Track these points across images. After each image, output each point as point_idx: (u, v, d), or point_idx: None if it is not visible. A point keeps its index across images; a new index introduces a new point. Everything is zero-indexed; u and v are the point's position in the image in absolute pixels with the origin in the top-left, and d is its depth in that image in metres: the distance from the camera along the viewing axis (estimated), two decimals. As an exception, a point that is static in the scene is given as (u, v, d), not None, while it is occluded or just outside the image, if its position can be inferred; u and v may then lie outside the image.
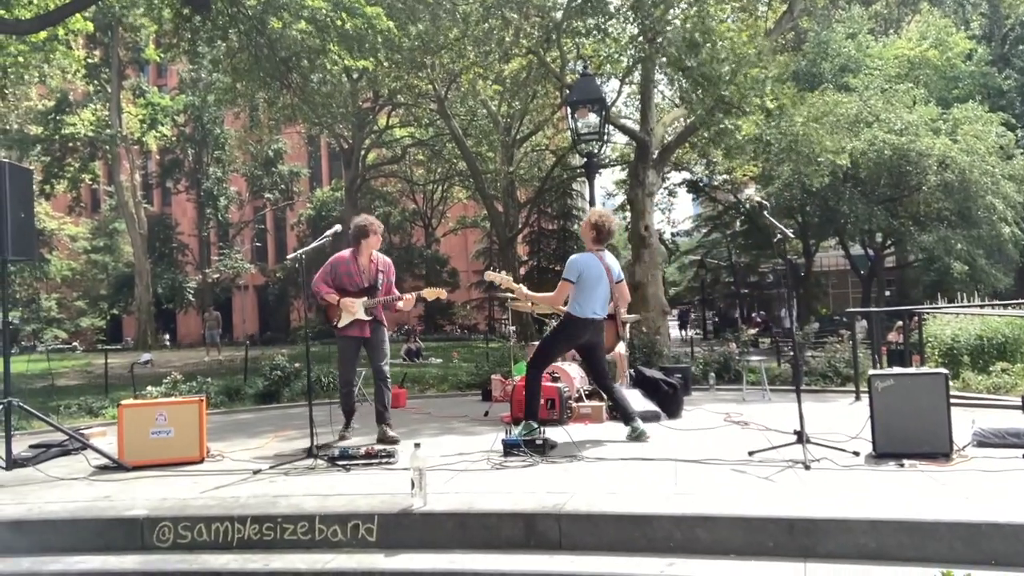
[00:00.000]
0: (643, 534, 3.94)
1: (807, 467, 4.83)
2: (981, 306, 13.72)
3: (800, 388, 5.78)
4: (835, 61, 27.70)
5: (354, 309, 6.57)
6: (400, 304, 6.76)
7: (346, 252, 6.72)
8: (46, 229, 40.45)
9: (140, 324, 35.17)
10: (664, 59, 14.55)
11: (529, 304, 9.27)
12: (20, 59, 19.78)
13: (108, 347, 30.37)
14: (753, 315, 42.88)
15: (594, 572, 3.73)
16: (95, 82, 33.01)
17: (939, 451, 4.97)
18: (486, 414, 8.54)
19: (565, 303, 6.46)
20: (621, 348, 8.88)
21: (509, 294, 7.22)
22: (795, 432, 5.29)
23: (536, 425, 6.16)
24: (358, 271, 6.67)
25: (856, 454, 5.14)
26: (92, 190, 46.58)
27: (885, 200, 25.96)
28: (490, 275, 6.86)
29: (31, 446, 6.62)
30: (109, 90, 33.27)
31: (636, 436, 6.20)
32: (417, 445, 4.38)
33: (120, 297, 43.86)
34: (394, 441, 6.38)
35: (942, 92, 28.15)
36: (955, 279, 24.15)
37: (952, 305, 14.01)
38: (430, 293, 6.91)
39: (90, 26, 18.80)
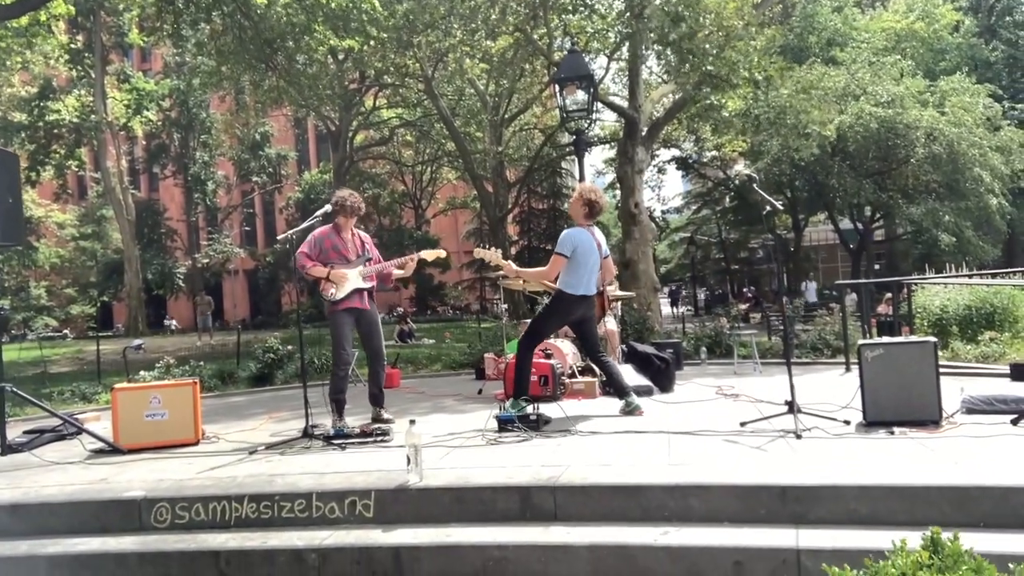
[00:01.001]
0: (637, 504, 3.98)
1: (798, 436, 4.88)
2: (969, 275, 13.83)
3: (791, 359, 5.83)
4: (822, 35, 27.69)
5: (347, 279, 6.31)
6: (397, 271, 6.60)
7: (326, 227, 6.46)
8: (33, 217, 40.16)
9: (130, 310, 35.04)
10: (651, 34, 14.50)
11: (520, 281, 9.30)
12: (2, 45, 19.58)
13: (99, 334, 30.30)
14: (744, 290, 43.03)
15: (589, 542, 3.77)
16: (78, 68, 32.66)
17: (928, 418, 5.02)
18: (480, 392, 8.59)
19: (555, 280, 6.46)
20: (612, 324, 8.92)
21: (499, 272, 7.18)
22: (786, 403, 5.34)
23: (525, 403, 6.19)
24: (343, 244, 6.44)
25: (847, 423, 5.19)
26: (78, 177, 46.25)
27: (873, 173, 26.05)
28: (479, 252, 6.79)
29: (25, 432, 6.63)
30: (93, 75, 32.94)
31: (630, 410, 6.24)
32: (412, 422, 4.41)
33: (110, 284, 43.68)
34: (388, 422, 6.37)
35: (929, 64, 28.21)
36: (943, 251, 24.33)
37: (940, 276, 14.10)
38: (429, 254, 6.81)
39: (72, 10, 18.60)
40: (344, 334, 6.35)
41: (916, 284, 11.91)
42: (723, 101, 14.46)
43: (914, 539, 3.39)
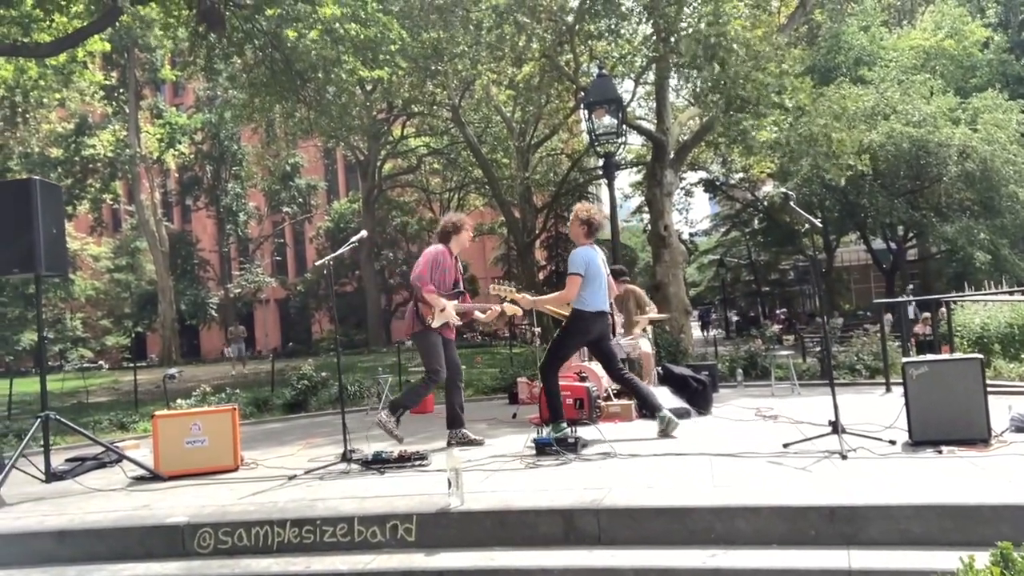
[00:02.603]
0: (683, 526, 3.93)
1: (844, 457, 4.80)
2: (1011, 292, 13.57)
3: (833, 379, 5.74)
4: (849, 54, 27.55)
5: (448, 313, 6.38)
6: (479, 314, 6.71)
7: (442, 248, 6.50)
8: (69, 250, 40.88)
9: (164, 341, 35.49)
10: (678, 58, 14.53)
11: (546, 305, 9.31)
12: (41, 82, 20.08)
13: (134, 364, 30.69)
14: (776, 312, 42.63)
15: (635, 565, 3.72)
16: (113, 103, 33.40)
17: (977, 437, 4.92)
18: (514, 416, 8.56)
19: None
20: (646, 347, 8.87)
21: (521, 300, 7.05)
22: (830, 423, 5.26)
23: (565, 425, 6.18)
24: (453, 269, 6.54)
25: (892, 443, 5.10)
26: (113, 210, 47.03)
27: (905, 192, 25.76)
28: (495, 288, 6.91)
29: (67, 459, 6.71)
30: (127, 111, 33.66)
31: (665, 427, 6.19)
32: (452, 445, 4.39)
33: (144, 315, 44.28)
34: (479, 443, 6.43)
35: (960, 82, 27.91)
36: (979, 269, 23.91)
37: (980, 293, 13.86)
38: (509, 308, 6.89)
39: (107, 46, 19.04)
40: (438, 352, 6.42)
41: (956, 302, 11.72)
42: (756, 125, 14.37)
43: (970, 555, 3.33)
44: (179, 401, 10.27)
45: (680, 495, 4.20)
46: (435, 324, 6.35)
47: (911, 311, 18.75)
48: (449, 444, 6.38)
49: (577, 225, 6.49)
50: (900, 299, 13.47)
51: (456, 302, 6.52)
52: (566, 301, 6.48)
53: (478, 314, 6.72)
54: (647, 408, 6.42)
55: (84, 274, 44.88)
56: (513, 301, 6.92)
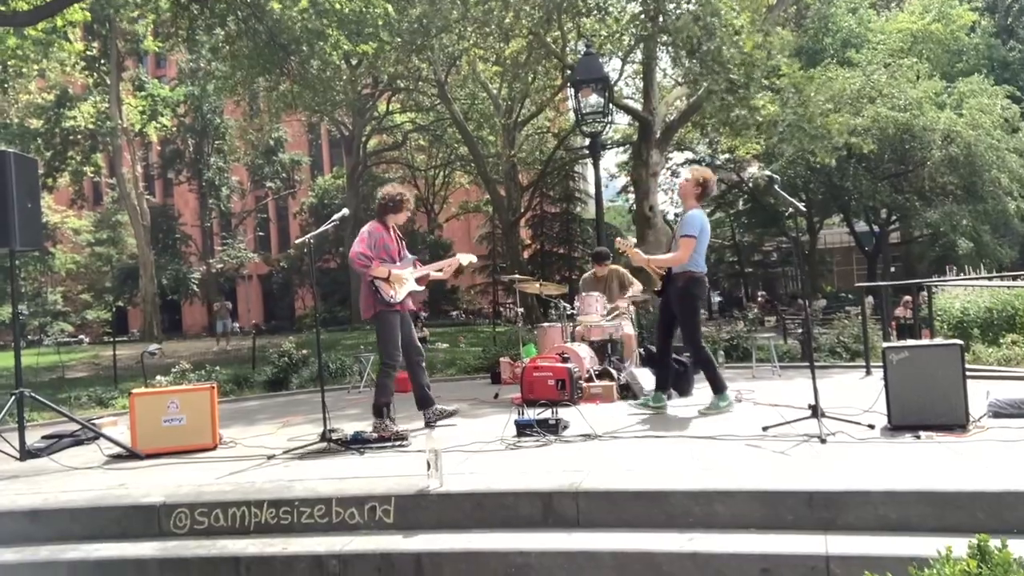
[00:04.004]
0: (661, 510, 3.92)
1: (823, 441, 4.81)
2: (990, 278, 13.67)
3: (813, 363, 5.75)
4: (837, 36, 27.55)
5: (404, 281, 6.23)
6: (436, 274, 6.63)
7: (378, 224, 6.33)
8: (49, 223, 40.40)
9: (146, 315, 35.17)
10: (667, 38, 14.44)
11: (536, 285, 9.26)
12: (19, 52, 19.71)
13: (115, 339, 30.44)
14: (757, 294, 42.83)
15: (614, 548, 3.71)
16: (94, 75, 32.87)
17: (955, 422, 4.94)
18: (496, 396, 8.55)
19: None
20: (628, 328, 8.87)
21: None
22: (810, 406, 5.27)
23: (729, 395, 6.32)
24: (393, 243, 6.37)
25: (871, 427, 5.11)
26: (94, 183, 46.52)
27: (889, 176, 25.89)
28: (620, 242, 6.75)
29: (44, 436, 6.63)
30: (108, 82, 33.14)
31: (725, 408, 6.20)
32: (431, 427, 4.36)
33: (125, 289, 43.93)
34: (455, 411, 6.48)
35: (946, 66, 27.98)
36: (960, 254, 24.09)
37: (961, 278, 13.96)
38: (465, 258, 6.85)
39: (88, 16, 18.71)
40: (396, 335, 6.25)
41: (936, 287, 11.79)
42: (754, 107, 14.32)
43: (947, 544, 3.35)
44: (158, 378, 10.19)
45: (659, 479, 4.20)
46: (399, 297, 6.18)
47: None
48: (429, 424, 6.34)
49: (693, 186, 6.35)
50: (881, 283, 13.55)
51: (411, 269, 6.39)
52: (680, 262, 6.30)
53: (435, 274, 6.65)
54: (714, 387, 6.32)
55: (64, 247, 44.43)
56: (631, 254, 6.68)
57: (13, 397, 5.97)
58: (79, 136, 33.72)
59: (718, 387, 6.31)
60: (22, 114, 32.63)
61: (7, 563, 4.23)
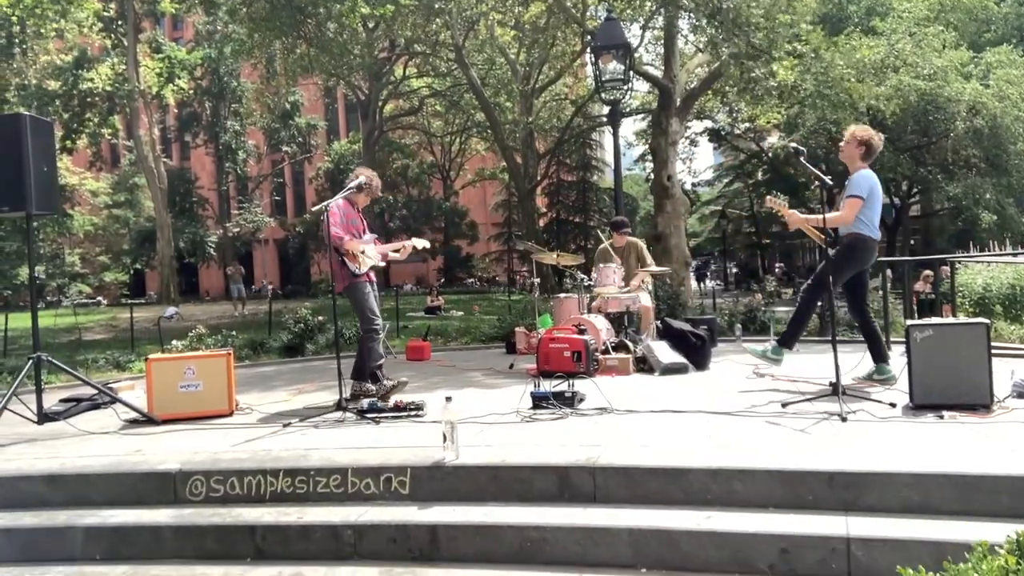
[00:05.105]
0: (679, 487, 3.88)
1: (843, 419, 4.74)
2: (1015, 254, 13.46)
3: (835, 339, 5.66)
4: (861, 4, 26.99)
5: (370, 257, 6.44)
6: (393, 254, 6.84)
7: (346, 203, 6.47)
8: (67, 184, 40.60)
9: (163, 278, 35.36)
10: (687, 1, 14.18)
11: (554, 256, 9.17)
12: (36, 11, 19.63)
13: (132, 301, 30.65)
14: (775, 266, 42.55)
15: (630, 525, 3.68)
16: (111, 36, 32.73)
17: (979, 402, 4.86)
18: (511, 366, 8.52)
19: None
20: (646, 300, 8.79)
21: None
22: (830, 384, 5.20)
23: (785, 351, 6.35)
24: (360, 218, 6.60)
25: (892, 405, 5.05)
26: (111, 145, 46.59)
27: (911, 148, 25.46)
28: (770, 200, 6.44)
29: (61, 400, 6.66)
30: (125, 44, 32.99)
31: (885, 378, 6.03)
32: (448, 399, 4.33)
33: (142, 251, 44.21)
34: (403, 384, 6.51)
35: (973, 35, 27.38)
36: (983, 229, 23.76)
37: (984, 254, 13.75)
38: (419, 242, 7.14)
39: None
40: (371, 301, 6.41)
41: (961, 263, 11.61)
42: (771, 71, 14.05)
43: (972, 529, 3.30)
44: (174, 342, 10.23)
45: (677, 455, 4.15)
46: (364, 269, 6.36)
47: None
48: (354, 395, 6.33)
49: (855, 145, 6.04)
50: (903, 258, 13.36)
51: (372, 246, 6.57)
52: (844, 223, 6.03)
53: (392, 254, 6.85)
54: (875, 356, 6.13)
55: (82, 209, 44.62)
56: (782, 213, 6.43)
57: (31, 361, 5.99)
58: (96, 98, 33.66)
59: (789, 339, 6.33)
60: (40, 75, 32.56)
61: (25, 527, 4.26)
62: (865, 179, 5.94)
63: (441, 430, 4.31)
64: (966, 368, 4.92)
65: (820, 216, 5.87)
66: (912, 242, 34.27)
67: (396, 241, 7.26)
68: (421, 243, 7.22)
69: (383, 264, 6.66)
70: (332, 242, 6.24)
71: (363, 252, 6.31)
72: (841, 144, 6.23)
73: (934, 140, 24.87)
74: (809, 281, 6.38)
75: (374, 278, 6.63)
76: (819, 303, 6.35)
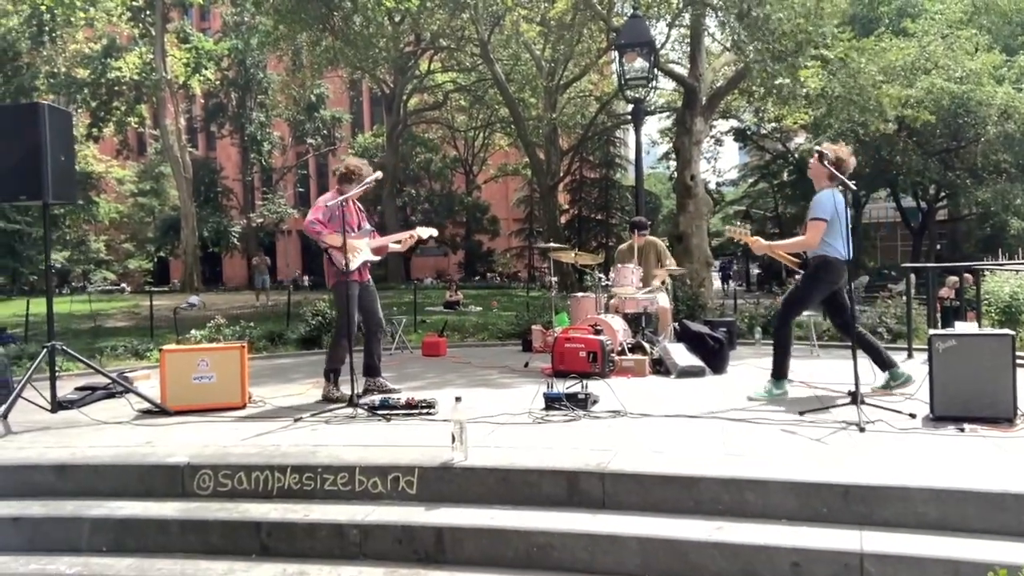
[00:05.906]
0: (690, 496, 3.81)
1: (861, 429, 4.64)
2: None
3: (856, 347, 5.55)
4: (892, 5, 26.63)
5: (359, 249, 6.28)
6: (394, 246, 6.71)
7: (335, 194, 6.28)
8: (94, 172, 40.99)
9: (186, 267, 35.62)
10: (716, 1, 14.02)
11: (572, 254, 9.09)
12: (66, 0, 19.78)
13: (155, 289, 30.90)
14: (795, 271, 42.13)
15: (639, 533, 3.62)
16: (139, 25, 32.98)
17: (1001, 416, 4.74)
18: (526, 365, 8.47)
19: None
20: (664, 301, 8.70)
21: (752, 243, 6.40)
22: (849, 392, 5.10)
23: (786, 383, 6.02)
24: (354, 211, 6.37)
25: (912, 416, 4.94)
26: (138, 134, 46.97)
27: (940, 151, 25.10)
28: (730, 230, 6.38)
29: (77, 388, 6.69)
30: (153, 33, 33.24)
31: (901, 383, 5.88)
32: (458, 399, 4.28)
33: (167, 240, 44.53)
34: (396, 391, 6.41)
35: (1008, 39, 26.91)
36: (1012, 236, 23.39)
37: (1013, 261, 13.50)
38: (424, 232, 6.82)
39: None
40: (350, 306, 6.20)
41: (988, 270, 11.40)
42: (798, 78, 13.86)
43: (991, 549, 3.20)
44: (192, 332, 10.27)
45: (689, 463, 4.07)
46: (353, 266, 6.17)
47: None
48: (367, 391, 6.41)
49: (822, 166, 5.87)
50: (929, 264, 13.15)
51: (367, 240, 6.46)
52: (808, 247, 5.95)
53: (393, 246, 6.73)
54: (881, 365, 5.99)
55: (108, 197, 45.04)
56: (746, 241, 6.28)
57: (45, 350, 6.01)
58: (124, 87, 33.95)
59: (778, 372, 6.03)
60: (69, 63, 32.87)
61: (34, 516, 4.26)
62: (828, 199, 5.81)
63: (451, 431, 4.26)
64: (989, 380, 4.80)
65: (784, 242, 5.99)
66: (938, 247, 33.85)
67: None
68: (427, 232, 6.90)
69: (377, 258, 6.55)
70: (310, 234, 6.18)
71: (343, 246, 5.96)
72: (811, 161, 6.07)
73: (963, 144, 24.51)
74: (780, 308, 6.22)
75: (368, 276, 6.52)
76: (792, 325, 6.14)
